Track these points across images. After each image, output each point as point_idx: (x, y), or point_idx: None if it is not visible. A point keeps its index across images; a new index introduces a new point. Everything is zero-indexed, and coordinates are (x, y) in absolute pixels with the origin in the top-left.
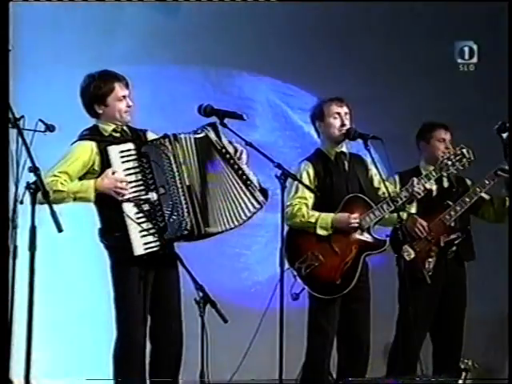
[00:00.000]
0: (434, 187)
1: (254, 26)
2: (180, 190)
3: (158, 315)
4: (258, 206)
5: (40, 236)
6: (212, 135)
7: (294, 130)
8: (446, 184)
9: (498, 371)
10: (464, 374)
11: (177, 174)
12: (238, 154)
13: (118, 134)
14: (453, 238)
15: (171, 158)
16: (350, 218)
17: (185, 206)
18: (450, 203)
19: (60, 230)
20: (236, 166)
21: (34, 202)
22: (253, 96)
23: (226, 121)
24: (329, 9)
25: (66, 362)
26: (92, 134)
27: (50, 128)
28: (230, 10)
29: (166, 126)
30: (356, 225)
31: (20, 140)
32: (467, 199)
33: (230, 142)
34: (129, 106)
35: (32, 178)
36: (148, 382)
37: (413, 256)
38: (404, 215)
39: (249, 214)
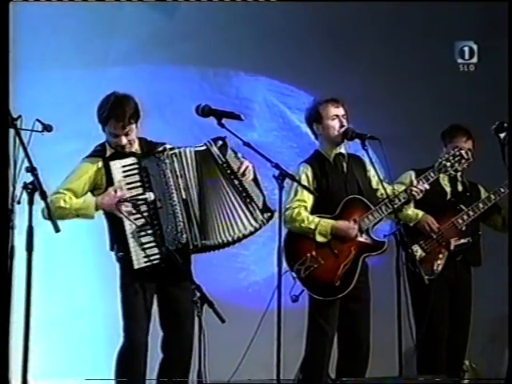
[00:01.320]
0: (448, 190)
1: (252, 27)
2: (176, 203)
3: (168, 323)
4: (255, 224)
5: (37, 236)
6: (214, 149)
7: (291, 130)
8: (460, 188)
9: (495, 371)
10: (461, 374)
11: (173, 187)
12: (241, 170)
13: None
14: (463, 242)
15: (168, 171)
16: (349, 227)
17: (180, 219)
18: (463, 208)
19: (57, 230)
20: (236, 182)
21: (31, 202)
22: (250, 96)
23: (223, 121)
24: (327, 8)
25: (63, 363)
26: (100, 150)
27: (47, 128)
28: (228, 10)
29: (163, 126)
30: (354, 234)
31: (17, 140)
32: (481, 205)
33: (238, 158)
34: (122, 146)
35: (29, 177)
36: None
37: (422, 255)
38: (419, 215)
39: (244, 232)
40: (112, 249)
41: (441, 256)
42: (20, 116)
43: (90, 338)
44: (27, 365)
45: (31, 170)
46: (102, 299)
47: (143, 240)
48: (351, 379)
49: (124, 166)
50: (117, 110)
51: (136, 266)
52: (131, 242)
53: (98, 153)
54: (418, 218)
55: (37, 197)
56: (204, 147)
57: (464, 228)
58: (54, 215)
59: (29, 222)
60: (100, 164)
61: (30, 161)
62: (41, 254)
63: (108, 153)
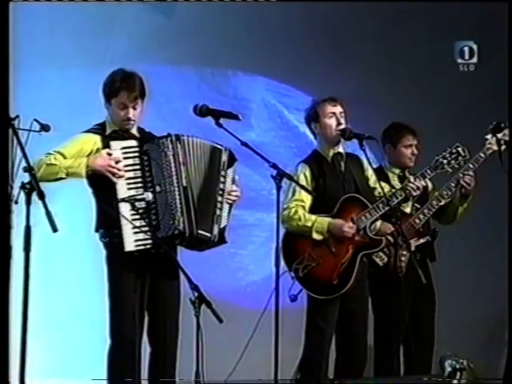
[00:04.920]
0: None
1: (250, 27)
2: (176, 190)
3: (154, 313)
4: (208, 234)
5: (35, 236)
6: (224, 157)
7: (289, 130)
8: None
9: (493, 372)
10: (459, 374)
11: (174, 173)
12: (229, 189)
13: (123, 135)
14: (423, 242)
15: (171, 157)
16: (345, 226)
17: (179, 206)
18: (418, 206)
19: (55, 229)
20: (220, 192)
21: (28, 202)
22: (248, 96)
23: (221, 121)
24: (325, 8)
25: (60, 362)
26: (99, 128)
27: (45, 128)
28: (226, 10)
29: (161, 125)
30: (350, 234)
31: (15, 140)
32: (434, 202)
33: (234, 181)
34: (128, 118)
35: (27, 177)
36: (145, 381)
37: (385, 261)
38: (377, 225)
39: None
40: (97, 230)
41: (403, 259)
42: (18, 116)
43: (88, 337)
44: (25, 365)
45: (29, 169)
46: (100, 299)
47: (137, 223)
48: (349, 380)
49: (124, 148)
50: (129, 81)
51: (127, 249)
52: (124, 224)
53: (97, 130)
54: (377, 227)
55: (34, 197)
56: (219, 146)
57: (421, 227)
58: (41, 177)
59: (26, 222)
60: (98, 141)
61: (27, 161)
62: (38, 253)
63: (108, 131)
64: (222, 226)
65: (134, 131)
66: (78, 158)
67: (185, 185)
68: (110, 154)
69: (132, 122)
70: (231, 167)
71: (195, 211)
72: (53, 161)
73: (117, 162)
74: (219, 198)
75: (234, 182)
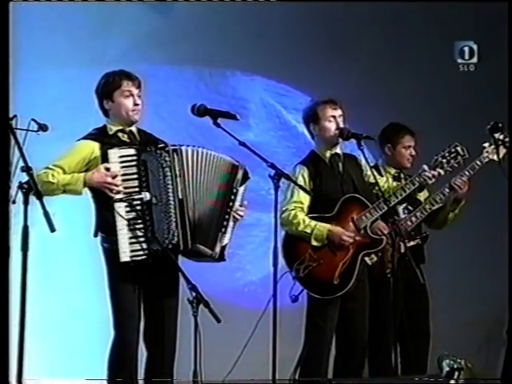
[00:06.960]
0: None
1: (248, 26)
2: (171, 202)
3: (153, 316)
4: (209, 251)
5: (33, 236)
6: (239, 174)
7: (287, 130)
8: None
9: (491, 371)
10: (457, 373)
11: (170, 186)
12: (238, 208)
13: (125, 137)
14: (413, 244)
15: (167, 169)
16: (344, 235)
17: (173, 219)
18: (411, 208)
19: (53, 229)
20: (228, 210)
21: (26, 202)
22: (246, 96)
23: (219, 121)
24: (325, 8)
25: (59, 362)
26: (98, 134)
27: (42, 128)
28: (225, 10)
29: (159, 126)
30: (349, 242)
31: (12, 139)
32: (427, 206)
33: (242, 202)
34: (136, 105)
35: (24, 177)
36: (142, 382)
37: (375, 260)
38: None
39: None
40: (96, 235)
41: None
42: (15, 115)
43: (86, 337)
44: (22, 365)
45: (26, 169)
46: (98, 299)
47: (133, 234)
48: (349, 379)
49: (122, 157)
50: (126, 72)
51: (122, 259)
52: (120, 234)
53: (95, 136)
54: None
55: (32, 197)
56: (235, 162)
57: (412, 230)
58: (40, 191)
59: (24, 222)
60: (97, 149)
61: (25, 160)
62: (36, 253)
63: (111, 132)
64: (223, 243)
65: (136, 132)
66: (77, 172)
67: (180, 197)
68: (107, 169)
69: (138, 112)
70: (243, 185)
71: (191, 224)
72: (50, 178)
73: (114, 177)
74: (226, 216)
75: (242, 204)
